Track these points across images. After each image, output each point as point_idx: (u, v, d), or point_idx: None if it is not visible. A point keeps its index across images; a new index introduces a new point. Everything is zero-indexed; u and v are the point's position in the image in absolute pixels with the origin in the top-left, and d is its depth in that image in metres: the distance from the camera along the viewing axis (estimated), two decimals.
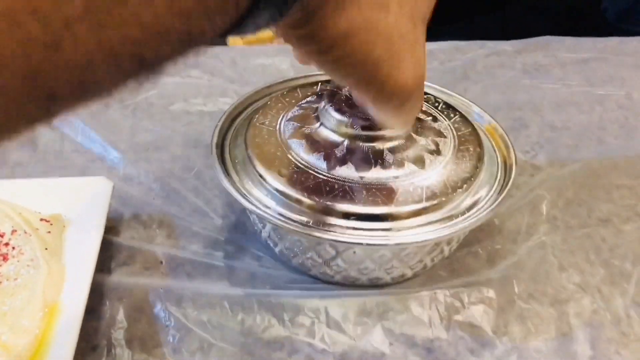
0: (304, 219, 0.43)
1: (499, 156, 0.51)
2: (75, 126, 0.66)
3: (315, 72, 0.58)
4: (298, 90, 0.55)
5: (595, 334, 0.46)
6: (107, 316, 0.46)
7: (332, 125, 0.47)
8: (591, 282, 0.50)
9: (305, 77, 0.58)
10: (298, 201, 0.44)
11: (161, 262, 0.50)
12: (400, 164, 0.45)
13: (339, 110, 0.47)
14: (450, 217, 0.44)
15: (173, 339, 0.44)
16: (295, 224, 0.42)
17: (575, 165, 0.63)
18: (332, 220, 0.43)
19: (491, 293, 0.48)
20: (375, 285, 0.47)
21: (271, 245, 0.49)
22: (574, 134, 0.68)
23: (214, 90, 0.73)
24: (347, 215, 0.43)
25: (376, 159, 0.45)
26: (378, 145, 0.46)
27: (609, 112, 0.72)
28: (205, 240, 0.53)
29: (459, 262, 0.51)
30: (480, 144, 0.49)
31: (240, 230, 0.54)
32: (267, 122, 0.50)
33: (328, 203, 0.43)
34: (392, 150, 0.45)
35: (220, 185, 0.58)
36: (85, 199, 0.51)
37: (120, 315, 0.46)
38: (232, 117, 0.54)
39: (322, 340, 0.44)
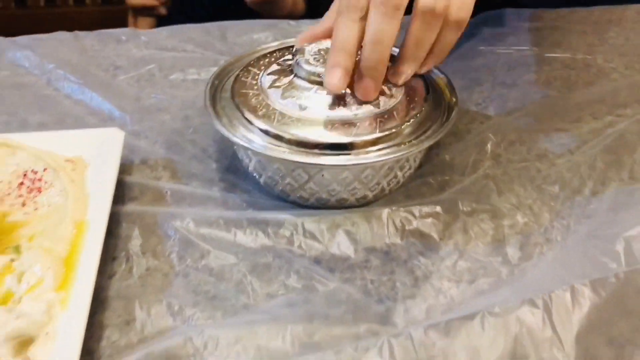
0: (282, 150, 0.53)
1: (445, 100, 0.61)
2: (88, 95, 0.76)
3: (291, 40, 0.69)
4: (276, 52, 0.65)
5: (524, 240, 0.56)
6: (124, 235, 0.56)
7: (303, 75, 0.57)
8: (524, 203, 0.61)
9: (282, 43, 0.68)
10: (277, 137, 0.54)
11: (166, 192, 0.60)
12: (359, 104, 0.55)
13: (308, 63, 0.57)
14: (398, 144, 0.54)
15: (179, 249, 0.55)
16: (274, 152, 0.52)
17: (520, 112, 0.73)
18: (305, 150, 0.53)
19: (439, 209, 0.58)
20: (342, 206, 0.58)
21: (256, 177, 0.59)
22: (522, 89, 0.78)
23: (207, 62, 0.83)
24: (317, 146, 0.53)
25: (340, 101, 0.55)
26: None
27: (554, 71, 0.82)
28: (203, 179, 0.63)
29: (414, 189, 0.61)
30: (428, 89, 0.59)
31: (232, 171, 0.64)
32: (250, 77, 0.60)
33: (300, 136, 0.53)
34: (352, 94, 0.56)
35: (214, 136, 0.69)
36: (102, 145, 0.61)
37: (135, 233, 0.56)
38: (221, 77, 0.64)
39: (300, 247, 0.55)
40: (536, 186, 0.63)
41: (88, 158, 0.60)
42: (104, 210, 0.53)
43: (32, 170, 0.58)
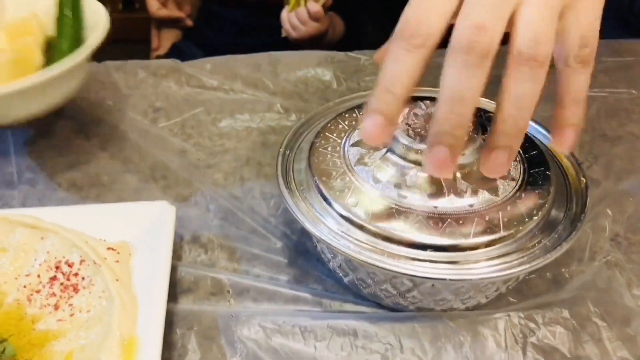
0: (378, 248, 0.43)
1: (568, 176, 0.50)
2: (128, 145, 0.65)
3: (367, 90, 0.58)
4: (356, 110, 0.54)
5: None
6: (179, 346, 0.46)
7: (400, 151, 0.46)
8: None
9: (360, 96, 0.57)
10: (369, 231, 0.43)
11: (226, 284, 0.50)
12: (474, 191, 0.44)
13: (407, 134, 0.46)
14: (526, 247, 0.43)
15: None
16: (374, 257, 0.42)
17: (633, 176, 0.62)
18: (406, 250, 0.42)
19: (566, 313, 0.47)
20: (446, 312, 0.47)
21: (340, 274, 0.48)
22: (628, 143, 0.67)
23: (258, 104, 0.72)
24: (423, 247, 0.42)
25: (449, 186, 0.44)
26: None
27: None
28: (267, 264, 0.53)
29: (527, 284, 0.51)
30: (548, 165, 0.48)
31: (301, 253, 0.54)
32: (330, 148, 0.49)
33: (402, 234, 0.42)
34: (464, 177, 0.45)
35: (277, 203, 0.58)
36: (150, 225, 0.50)
37: (192, 344, 0.46)
38: (292, 143, 0.53)
39: None
40: None
41: (133, 241, 0.50)
42: (158, 323, 0.43)
43: (67, 262, 0.47)
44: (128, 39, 1.75)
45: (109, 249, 0.48)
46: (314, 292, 0.50)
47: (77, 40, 0.62)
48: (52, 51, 0.63)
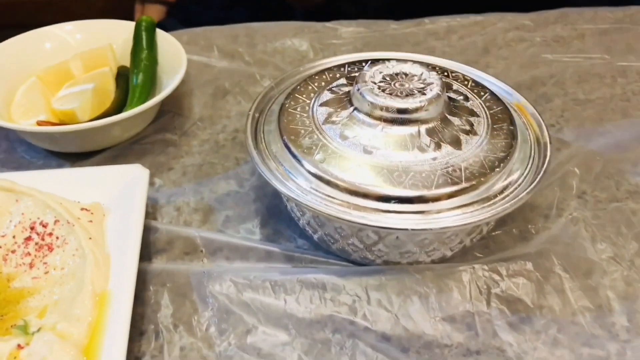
0: (344, 202, 0.44)
1: (531, 134, 0.51)
2: None
3: (337, 56, 0.59)
4: (325, 73, 0.55)
5: (630, 307, 0.47)
6: (152, 301, 0.47)
7: (366, 109, 0.47)
8: (624, 256, 0.51)
9: (331, 62, 0.58)
10: (336, 186, 0.44)
11: (199, 243, 0.51)
12: (437, 145, 0.45)
13: (372, 93, 0.47)
14: (488, 198, 0.44)
15: (218, 321, 0.45)
16: (340, 210, 0.43)
17: (601, 137, 0.63)
18: (372, 203, 0.43)
19: (529, 266, 0.48)
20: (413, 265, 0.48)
21: (310, 232, 0.49)
22: (598, 106, 0.68)
23: (235, 74, 0.73)
24: (387, 199, 0.43)
25: (413, 142, 0.45)
26: (414, 127, 0.46)
27: (632, 83, 0.72)
28: (241, 224, 0.54)
29: (494, 239, 0.52)
30: (512, 122, 0.49)
31: (274, 214, 0.55)
32: (299, 108, 0.50)
33: (368, 187, 0.43)
34: (428, 133, 0.46)
35: (251, 169, 0.59)
36: (123, 187, 0.51)
37: (165, 299, 0.47)
38: (262, 105, 0.54)
39: (364, 317, 0.45)
40: (635, 234, 0.53)
41: (107, 204, 0.51)
42: (129, 278, 0.44)
43: (41, 223, 0.48)
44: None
45: (82, 209, 0.49)
46: (285, 249, 0.51)
47: (151, 74, 0.65)
48: (120, 79, 0.65)
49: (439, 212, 0.43)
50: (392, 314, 0.46)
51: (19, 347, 0.40)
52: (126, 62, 0.67)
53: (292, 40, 0.79)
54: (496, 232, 0.52)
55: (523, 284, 0.48)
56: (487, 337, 0.45)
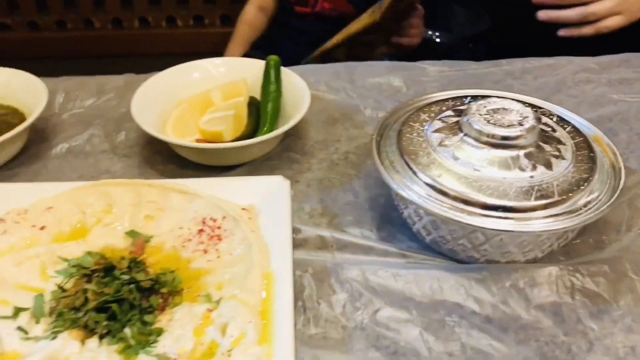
0: (458, 209, 0.55)
1: (606, 161, 0.61)
2: None
3: (435, 93, 0.71)
4: (433, 105, 0.67)
5: None
6: (298, 283, 0.59)
7: (474, 135, 0.59)
8: None
9: (434, 96, 0.70)
10: (450, 196, 0.56)
11: (329, 240, 0.63)
12: (533, 167, 0.57)
13: (479, 123, 0.59)
14: (574, 210, 0.55)
15: (352, 300, 0.57)
16: (458, 215, 0.54)
17: None
18: (480, 211, 0.55)
19: (606, 268, 0.59)
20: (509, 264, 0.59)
21: (423, 234, 0.61)
22: None
23: (340, 104, 0.86)
24: (494, 208, 0.54)
25: (514, 162, 0.57)
26: (514, 151, 0.57)
27: None
28: (360, 227, 0.66)
29: (572, 247, 0.62)
30: (592, 150, 0.60)
31: (387, 221, 0.66)
32: (415, 134, 0.62)
33: (479, 197, 0.55)
34: (526, 156, 0.57)
35: (364, 184, 0.71)
36: (270, 194, 0.64)
37: (308, 281, 0.59)
38: (381, 130, 0.66)
39: (471, 304, 0.56)
40: None
41: (258, 206, 0.63)
42: (287, 261, 0.56)
43: (211, 218, 0.61)
44: (197, 52, 1.93)
45: (242, 209, 0.62)
46: (400, 248, 0.63)
47: (278, 103, 0.78)
48: (252, 108, 0.78)
49: (536, 219, 0.54)
50: (494, 302, 0.57)
51: (209, 310, 0.53)
52: (254, 93, 0.80)
53: (386, 77, 0.92)
54: (576, 241, 0.63)
55: (601, 282, 0.58)
56: (572, 323, 0.55)
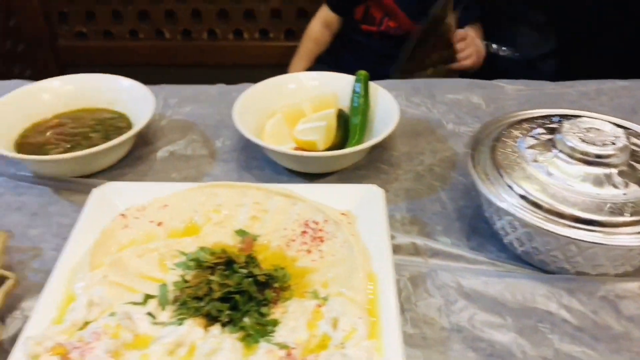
0: (554, 221, 0.58)
1: None
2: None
3: (520, 111, 0.74)
4: (523, 123, 0.70)
5: None
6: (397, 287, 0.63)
7: (568, 152, 0.62)
8: None
9: (520, 112, 0.73)
10: (547, 209, 0.59)
11: (421, 247, 0.67)
12: (625, 184, 0.59)
13: (572, 140, 0.62)
14: None
15: (447, 303, 0.60)
16: (555, 228, 0.57)
17: None
18: (575, 224, 0.58)
19: None
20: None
21: (516, 245, 0.64)
22: None
23: (421, 115, 0.90)
24: (589, 222, 0.57)
25: (608, 179, 0.60)
26: (607, 169, 0.60)
27: None
28: (450, 237, 0.69)
29: None
30: None
31: (476, 232, 0.70)
32: (509, 149, 0.66)
33: (574, 212, 0.58)
34: (619, 174, 0.60)
35: (452, 195, 0.74)
36: (366, 201, 0.68)
37: (404, 284, 0.62)
38: (475, 145, 0.70)
39: (562, 312, 0.59)
40: None
41: (355, 211, 0.67)
42: (388, 264, 0.60)
43: (314, 221, 0.66)
44: (261, 64, 2.00)
45: (342, 214, 0.66)
46: (489, 258, 0.66)
47: (366, 116, 0.83)
48: (341, 119, 0.83)
49: (628, 234, 0.57)
50: (584, 312, 0.59)
51: (318, 306, 0.57)
52: (342, 105, 0.85)
53: (464, 94, 0.96)
54: None
55: None
56: None
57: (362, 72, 0.85)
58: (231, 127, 0.88)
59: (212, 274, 0.58)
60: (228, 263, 0.59)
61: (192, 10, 1.91)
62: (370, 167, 0.80)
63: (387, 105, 0.82)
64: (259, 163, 0.81)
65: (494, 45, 1.46)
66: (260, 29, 1.94)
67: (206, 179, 0.79)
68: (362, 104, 0.83)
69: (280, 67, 1.92)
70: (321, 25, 1.64)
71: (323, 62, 1.65)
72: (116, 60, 1.98)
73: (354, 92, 0.84)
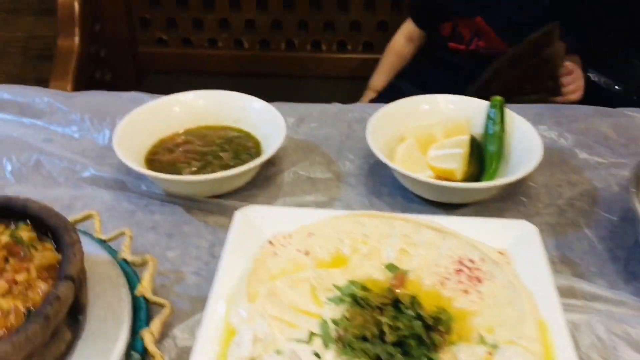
0: None
1: None
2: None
3: None
4: None
5: None
6: None
7: None
8: None
9: None
10: None
11: (576, 289, 0.63)
12: None
13: None
14: None
15: (600, 353, 0.57)
16: None
17: None
18: None
19: None
20: None
21: None
22: None
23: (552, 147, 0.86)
24: None
25: None
26: None
27: None
28: (606, 279, 0.65)
29: None
30: None
31: (636, 276, 0.66)
32: None
33: None
34: None
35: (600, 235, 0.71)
36: (518, 238, 0.64)
37: None
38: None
39: None
40: None
41: (510, 250, 0.64)
42: (557, 310, 0.56)
43: (469, 259, 0.62)
44: (337, 76, 1.98)
45: (499, 252, 0.63)
46: None
47: (501, 144, 0.80)
48: (473, 146, 0.80)
49: None
50: None
51: (488, 353, 0.54)
52: (471, 132, 0.82)
53: (590, 121, 0.92)
54: None
55: None
56: None
57: (498, 98, 0.82)
58: (354, 149, 0.86)
59: (380, 314, 0.55)
60: (394, 303, 0.57)
61: (272, 20, 1.90)
62: (507, 199, 0.77)
63: (524, 132, 0.78)
64: (389, 189, 0.79)
65: (595, 77, 1.41)
66: (338, 41, 1.92)
67: (337, 205, 0.76)
68: (497, 132, 0.80)
69: (357, 78, 1.91)
70: (405, 39, 1.61)
71: (405, 77, 1.62)
72: (193, 68, 1.98)
73: (489, 117, 0.81)
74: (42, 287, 0.51)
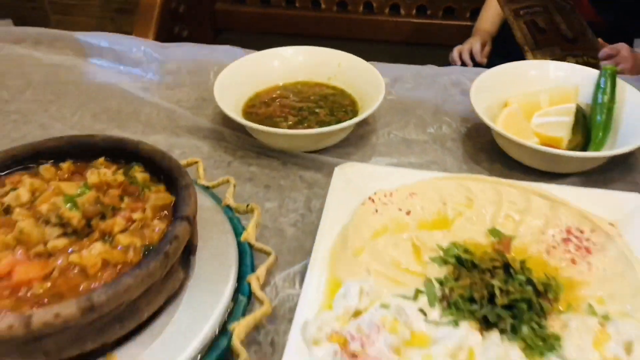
0: None
1: None
2: None
3: None
4: None
5: None
6: None
7: None
8: None
9: None
10: None
11: None
12: None
13: None
14: None
15: None
16: None
17: None
18: None
19: None
20: None
21: None
22: None
23: None
24: None
25: None
26: None
27: None
28: None
29: None
30: None
31: None
32: None
33: None
34: None
35: None
36: (630, 211, 0.62)
37: None
38: None
39: None
40: None
41: (622, 223, 0.61)
42: None
43: (578, 229, 0.60)
44: (416, 42, 1.94)
45: (610, 224, 0.60)
46: None
47: (610, 115, 0.76)
48: (579, 115, 0.77)
49: None
50: None
51: (600, 324, 0.52)
52: (578, 100, 0.78)
53: None
54: None
55: None
56: None
57: (610, 67, 0.78)
58: (450, 112, 0.84)
59: (490, 277, 0.54)
60: (505, 267, 0.55)
61: None
62: (615, 170, 0.74)
63: (636, 103, 0.74)
64: (488, 155, 0.77)
65: None
66: (417, 6, 1.88)
67: (434, 168, 0.75)
68: (606, 102, 0.76)
69: (436, 46, 1.85)
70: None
71: (494, 43, 1.58)
72: (269, 28, 1.98)
73: (598, 87, 0.77)
74: (159, 226, 0.53)
